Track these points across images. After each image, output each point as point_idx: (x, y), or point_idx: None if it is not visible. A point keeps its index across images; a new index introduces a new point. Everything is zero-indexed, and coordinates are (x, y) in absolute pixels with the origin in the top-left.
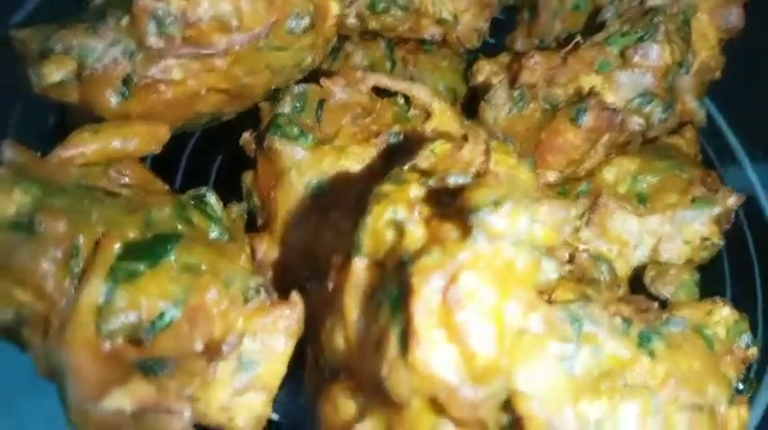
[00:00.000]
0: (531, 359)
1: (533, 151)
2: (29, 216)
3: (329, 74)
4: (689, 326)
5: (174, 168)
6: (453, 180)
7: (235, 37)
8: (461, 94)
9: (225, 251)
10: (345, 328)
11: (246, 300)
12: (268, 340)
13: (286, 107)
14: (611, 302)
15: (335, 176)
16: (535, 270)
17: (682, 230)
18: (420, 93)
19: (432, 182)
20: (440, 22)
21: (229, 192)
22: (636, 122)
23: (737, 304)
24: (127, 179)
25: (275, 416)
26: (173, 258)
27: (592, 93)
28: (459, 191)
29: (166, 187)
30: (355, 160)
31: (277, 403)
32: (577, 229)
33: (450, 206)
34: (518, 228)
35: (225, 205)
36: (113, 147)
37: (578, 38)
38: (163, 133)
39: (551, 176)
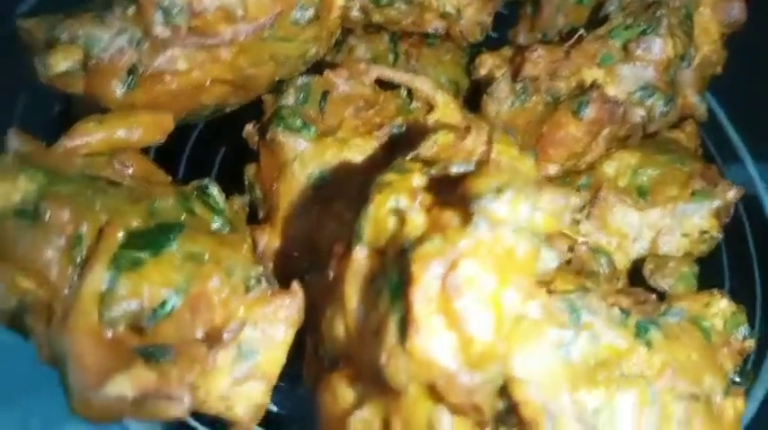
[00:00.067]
0: (529, 345)
1: (535, 144)
2: (34, 204)
3: (333, 66)
4: (686, 318)
5: (177, 160)
6: (455, 169)
7: (240, 27)
8: (464, 88)
9: (227, 241)
10: (345, 316)
11: (248, 290)
12: (268, 329)
13: (289, 99)
14: (610, 294)
15: (338, 168)
16: (535, 258)
17: (681, 223)
18: (423, 85)
19: (434, 171)
20: (443, 15)
21: (232, 185)
22: (637, 115)
23: (736, 297)
24: (130, 170)
25: (274, 408)
26: (175, 247)
27: (594, 85)
28: (460, 179)
29: (169, 178)
30: (358, 152)
31: (276, 393)
32: (577, 222)
33: (451, 195)
34: (519, 215)
35: (227, 197)
36: (118, 136)
37: (581, 31)
38: (167, 123)
39: (552, 169)
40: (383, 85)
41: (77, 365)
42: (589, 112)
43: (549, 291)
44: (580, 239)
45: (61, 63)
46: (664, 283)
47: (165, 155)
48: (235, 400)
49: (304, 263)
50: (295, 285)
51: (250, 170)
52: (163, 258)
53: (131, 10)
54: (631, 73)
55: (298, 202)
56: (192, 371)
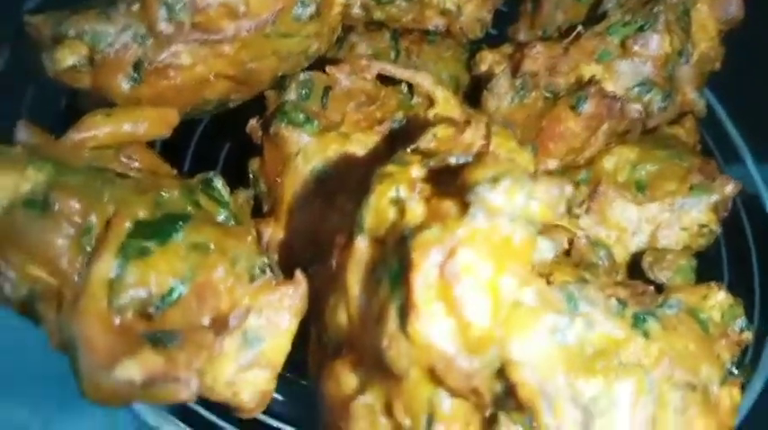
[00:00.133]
0: (525, 329)
1: (534, 139)
2: (43, 194)
3: (335, 61)
4: (684, 309)
5: (182, 154)
6: (454, 160)
7: (242, 23)
8: (464, 84)
9: (232, 232)
10: (348, 304)
11: (252, 279)
12: (273, 317)
13: (292, 94)
14: (608, 285)
15: (340, 161)
16: (531, 245)
17: (680, 217)
18: (424, 81)
19: (433, 162)
20: (444, 12)
21: (236, 179)
22: (635, 110)
23: (734, 291)
24: (136, 163)
25: (279, 396)
26: (182, 237)
27: (592, 81)
28: (459, 170)
29: (175, 172)
30: (360, 146)
31: (280, 383)
32: (577, 216)
33: (450, 185)
34: (515, 204)
35: (232, 191)
36: (125, 130)
37: (580, 28)
38: (173, 117)
39: (552, 164)
40: (384, 80)
41: (87, 349)
42: (588, 108)
43: (548, 282)
44: (579, 233)
45: (68, 58)
46: (662, 276)
47: (171, 149)
48: (241, 387)
49: (307, 254)
50: (299, 275)
51: (254, 164)
52: (169, 248)
53: (136, 6)
54: (629, 69)
55: (301, 195)
56: (198, 357)
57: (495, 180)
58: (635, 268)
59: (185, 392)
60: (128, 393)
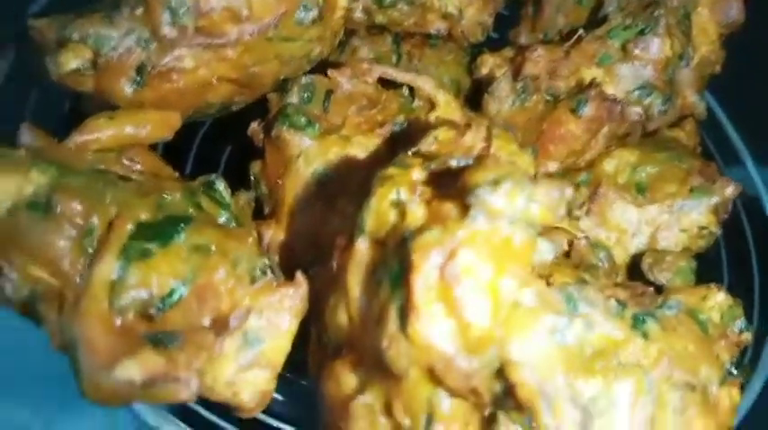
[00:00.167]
0: (525, 330)
1: (535, 142)
2: (46, 196)
3: (337, 65)
4: (683, 310)
5: (184, 157)
6: (455, 162)
7: (245, 27)
8: (465, 87)
9: (233, 234)
10: (348, 305)
11: (253, 280)
12: (273, 318)
13: (294, 97)
14: (608, 287)
15: (341, 164)
16: (531, 247)
17: (679, 219)
18: (425, 84)
19: (434, 165)
20: (445, 16)
21: (238, 182)
22: (635, 113)
23: (733, 293)
24: (139, 166)
25: (279, 397)
26: (183, 239)
27: (593, 84)
28: (459, 173)
29: (176, 174)
30: (361, 149)
31: (280, 383)
32: (577, 218)
33: (450, 188)
34: (515, 206)
35: (233, 194)
36: (127, 133)
37: (580, 31)
38: (175, 120)
39: (552, 166)
40: (386, 84)
41: (88, 350)
42: (588, 110)
43: (548, 284)
44: (579, 235)
45: (72, 62)
46: (661, 277)
47: (173, 152)
48: (241, 387)
49: (308, 256)
50: (299, 276)
51: (255, 167)
52: (171, 249)
53: (139, 10)
54: (630, 72)
55: (302, 198)
56: (199, 357)
57: (495, 183)
58: (635, 269)
59: (185, 392)
60: (128, 393)
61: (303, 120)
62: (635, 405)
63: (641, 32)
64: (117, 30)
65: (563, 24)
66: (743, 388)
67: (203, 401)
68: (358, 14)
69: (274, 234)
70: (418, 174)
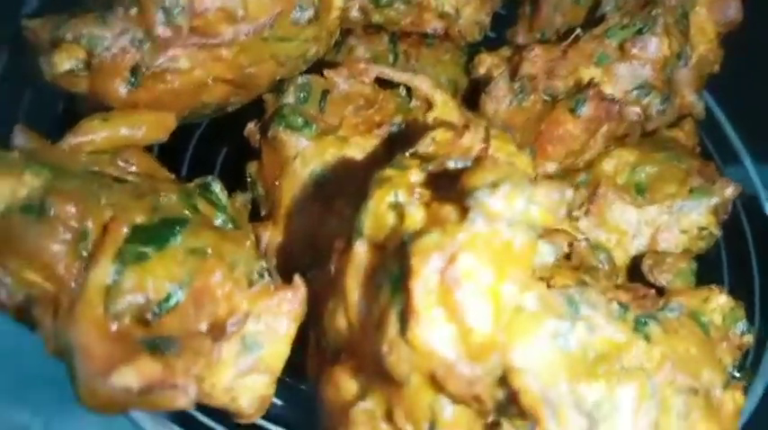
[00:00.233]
0: (527, 335)
1: (533, 142)
2: (39, 199)
3: (333, 65)
4: (685, 313)
5: (179, 159)
6: (453, 164)
7: (240, 27)
8: (463, 87)
9: (230, 236)
10: (347, 309)
11: (251, 284)
12: (272, 322)
13: (290, 98)
14: (609, 289)
15: (339, 165)
16: (531, 250)
17: (679, 220)
18: (422, 84)
19: (432, 166)
20: (442, 15)
21: (234, 184)
22: (634, 112)
23: (734, 294)
24: (134, 168)
25: (278, 401)
26: (179, 242)
27: (591, 84)
28: (458, 175)
29: (172, 176)
30: (358, 150)
31: (279, 388)
32: (576, 219)
33: (449, 190)
34: (515, 209)
35: (229, 195)
36: (122, 134)
37: (578, 31)
38: (170, 122)
39: (551, 167)
40: (382, 84)
41: (84, 356)
42: (586, 110)
43: (549, 286)
44: (579, 236)
45: (65, 62)
46: (662, 279)
47: (168, 154)
48: (239, 392)
49: (306, 259)
50: (297, 279)
51: (252, 168)
52: (167, 253)
53: (133, 10)
54: (628, 72)
55: (299, 199)
56: (197, 364)
57: (494, 185)
58: (635, 271)
59: (183, 399)
60: (125, 400)
61: (300, 120)
62: (638, 409)
63: (639, 32)
64: (111, 30)
65: (560, 24)
66: (745, 391)
67: (201, 407)
68: (354, 14)
69: (271, 236)
70: (416, 175)
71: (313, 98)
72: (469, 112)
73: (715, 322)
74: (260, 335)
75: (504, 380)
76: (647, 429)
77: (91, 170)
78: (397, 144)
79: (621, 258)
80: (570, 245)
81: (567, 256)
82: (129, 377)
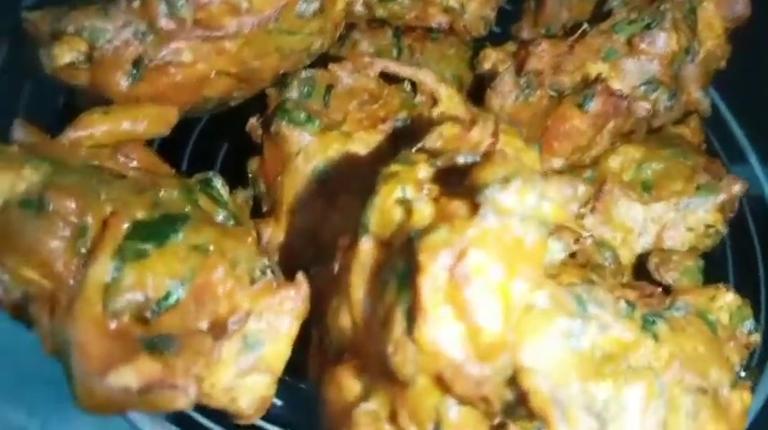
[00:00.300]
0: (538, 335)
1: (540, 138)
2: (38, 194)
3: (337, 59)
4: (692, 311)
5: (180, 154)
6: (462, 159)
7: (245, 19)
8: (467, 83)
9: (232, 233)
10: (351, 307)
11: (252, 281)
12: (273, 321)
13: (293, 92)
14: (616, 287)
15: (342, 161)
16: (543, 247)
17: (686, 218)
18: (427, 78)
19: (440, 161)
20: (447, 10)
21: (235, 180)
22: (642, 108)
23: (740, 293)
24: (134, 163)
25: (278, 402)
26: (180, 238)
27: (599, 79)
28: (467, 170)
29: (173, 172)
30: (362, 145)
31: (280, 387)
32: (582, 216)
33: (458, 185)
34: (527, 204)
35: (230, 192)
36: (123, 128)
37: (585, 26)
38: (172, 116)
39: (557, 163)
40: (387, 79)
41: (81, 354)
42: (594, 106)
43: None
44: (585, 233)
45: (66, 55)
46: (668, 277)
47: (169, 149)
48: (239, 393)
49: (308, 256)
50: (300, 277)
51: (253, 164)
52: (167, 249)
53: (136, 2)
54: (635, 67)
55: (302, 196)
56: (197, 363)
57: (505, 180)
58: (640, 269)
59: (183, 400)
60: (123, 401)
61: (303, 115)
62: (647, 409)
63: (647, 27)
64: (113, 22)
65: (566, 19)
66: (752, 391)
67: (200, 407)
68: (358, 8)
69: (273, 233)
70: (424, 171)
71: (317, 93)
72: (475, 108)
73: (722, 321)
74: (261, 333)
75: (512, 381)
76: (655, 429)
77: (91, 165)
78: (402, 139)
79: (627, 257)
80: (576, 241)
81: (573, 254)
82: (128, 377)
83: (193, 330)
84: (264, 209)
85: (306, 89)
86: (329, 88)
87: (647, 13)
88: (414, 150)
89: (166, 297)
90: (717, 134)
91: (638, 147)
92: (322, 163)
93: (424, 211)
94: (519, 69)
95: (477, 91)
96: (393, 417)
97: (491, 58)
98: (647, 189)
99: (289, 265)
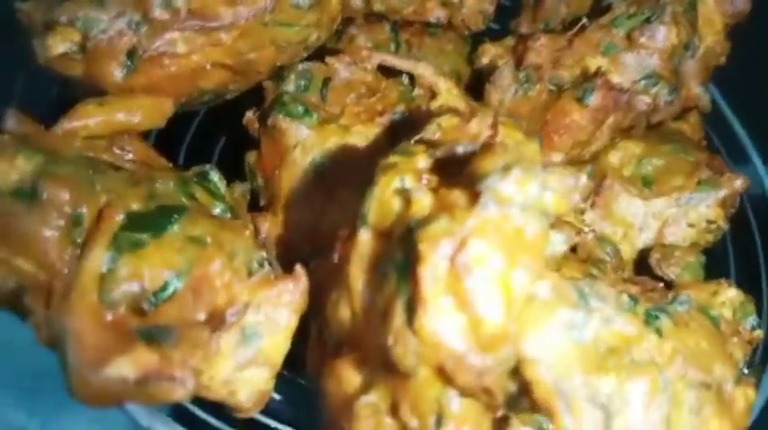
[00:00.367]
0: (540, 325)
1: (539, 132)
2: (31, 183)
3: (334, 52)
4: (695, 306)
5: (176, 148)
6: (461, 149)
7: (240, 10)
8: (465, 78)
9: (229, 225)
10: (351, 299)
11: (250, 273)
12: (272, 313)
13: (290, 85)
14: (618, 282)
15: (340, 154)
16: (544, 238)
17: (687, 213)
18: (425, 71)
19: (439, 152)
20: (445, 4)
21: (232, 173)
22: (643, 102)
23: (742, 289)
24: (130, 155)
25: (276, 396)
26: (177, 229)
27: (598, 73)
28: (466, 160)
29: (169, 164)
30: (360, 138)
31: (278, 382)
32: (582, 212)
33: (457, 175)
34: (528, 194)
35: (228, 186)
36: (118, 119)
37: (584, 20)
38: (167, 107)
39: (556, 158)
40: (385, 72)
41: (77, 344)
42: (594, 100)
43: None
44: (586, 229)
45: (59, 45)
46: (670, 272)
47: (165, 142)
48: (238, 386)
49: (305, 251)
50: (299, 269)
51: (251, 157)
52: (164, 240)
53: None
54: (635, 61)
55: (299, 189)
56: (194, 355)
57: (506, 169)
58: (641, 265)
59: (180, 391)
60: (119, 392)
61: (300, 108)
62: (650, 404)
63: (647, 20)
64: (107, 12)
65: (565, 14)
66: (756, 387)
67: (198, 400)
68: (356, 2)
69: (271, 227)
70: (423, 161)
71: (314, 86)
72: (474, 102)
73: (725, 316)
74: (260, 326)
75: (515, 372)
76: (658, 424)
77: (85, 156)
78: (400, 132)
79: (628, 252)
80: (577, 234)
81: (574, 249)
82: (125, 367)
83: (191, 322)
84: (262, 203)
85: (303, 82)
86: (326, 81)
87: (647, 7)
88: (413, 141)
89: (164, 288)
90: (716, 130)
91: (638, 142)
92: (319, 156)
93: (424, 201)
94: (518, 64)
95: (476, 86)
96: (394, 410)
97: (490, 52)
98: (647, 184)
99: (287, 260)
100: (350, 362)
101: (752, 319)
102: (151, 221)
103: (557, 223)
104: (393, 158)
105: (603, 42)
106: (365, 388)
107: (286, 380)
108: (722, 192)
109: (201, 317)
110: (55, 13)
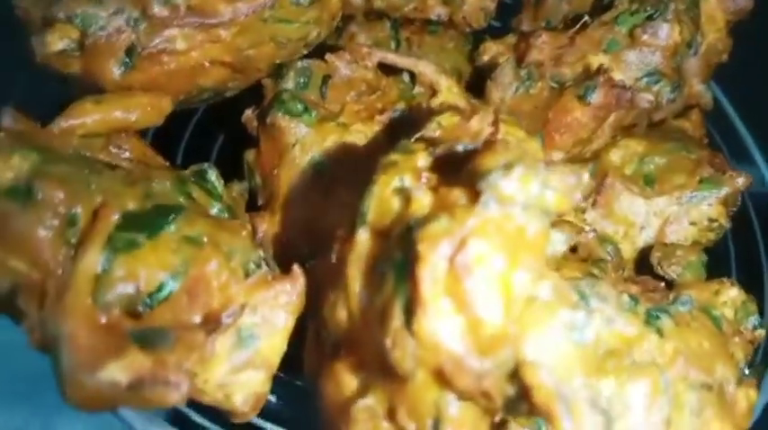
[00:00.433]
0: (540, 327)
1: (540, 130)
2: (26, 183)
3: (334, 49)
4: (696, 306)
5: (174, 146)
6: (462, 147)
7: (239, 6)
8: (466, 76)
9: (226, 225)
10: (348, 300)
11: (247, 274)
12: (268, 315)
13: (290, 83)
14: (618, 282)
15: (339, 153)
16: (545, 237)
17: (689, 211)
18: (426, 69)
19: (439, 150)
20: (446, 1)
21: (231, 172)
22: (645, 99)
23: (744, 288)
24: (127, 154)
25: (272, 398)
26: (173, 229)
27: (600, 70)
28: (467, 158)
29: (166, 163)
30: (360, 137)
31: (275, 384)
32: (583, 211)
33: (458, 174)
34: (529, 192)
35: (226, 184)
36: (115, 117)
37: (586, 17)
38: (165, 105)
39: (557, 156)
40: (385, 70)
41: (70, 348)
42: (596, 97)
43: None
44: (587, 228)
45: (58, 42)
46: (671, 271)
47: (163, 141)
48: (233, 389)
49: (304, 250)
50: (296, 270)
51: (249, 156)
52: (160, 241)
53: None
54: (637, 59)
55: (298, 188)
56: (189, 358)
57: (507, 167)
58: (642, 264)
59: (175, 395)
60: (113, 396)
61: (299, 106)
62: (651, 406)
63: (650, 18)
64: (105, 9)
65: (567, 11)
66: (757, 387)
67: (193, 404)
68: None
69: (269, 226)
70: (423, 160)
71: (313, 83)
72: (475, 100)
73: (727, 316)
74: (256, 327)
75: (514, 375)
76: (659, 426)
77: (81, 155)
78: (400, 131)
79: (628, 251)
80: (578, 233)
81: (574, 249)
82: (118, 372)
83: (186, 324)
84: (260, 202)
85: (302, 80)
86: (326, 79)
87: (649, 5)
88: (413, 140)
89: (159, 289)
90: (719, 128)
91: (640, 140)
92: (319, 154)
93: (423, 200)
94: (519, 61)
95: (477, 84)
96: (391, 414)
97: (491, 50)
98: (649, 183)
99: (285, 259)
100: (347, 365)
101: (754, 319)
102: (147, 221)
103: (557, 222)
104: (393, 157)
105: (605, 40)
106: (362, 391)
107: (283, 381)
108: (724, 191)
109: (197, 319)
110: (53, 9)
